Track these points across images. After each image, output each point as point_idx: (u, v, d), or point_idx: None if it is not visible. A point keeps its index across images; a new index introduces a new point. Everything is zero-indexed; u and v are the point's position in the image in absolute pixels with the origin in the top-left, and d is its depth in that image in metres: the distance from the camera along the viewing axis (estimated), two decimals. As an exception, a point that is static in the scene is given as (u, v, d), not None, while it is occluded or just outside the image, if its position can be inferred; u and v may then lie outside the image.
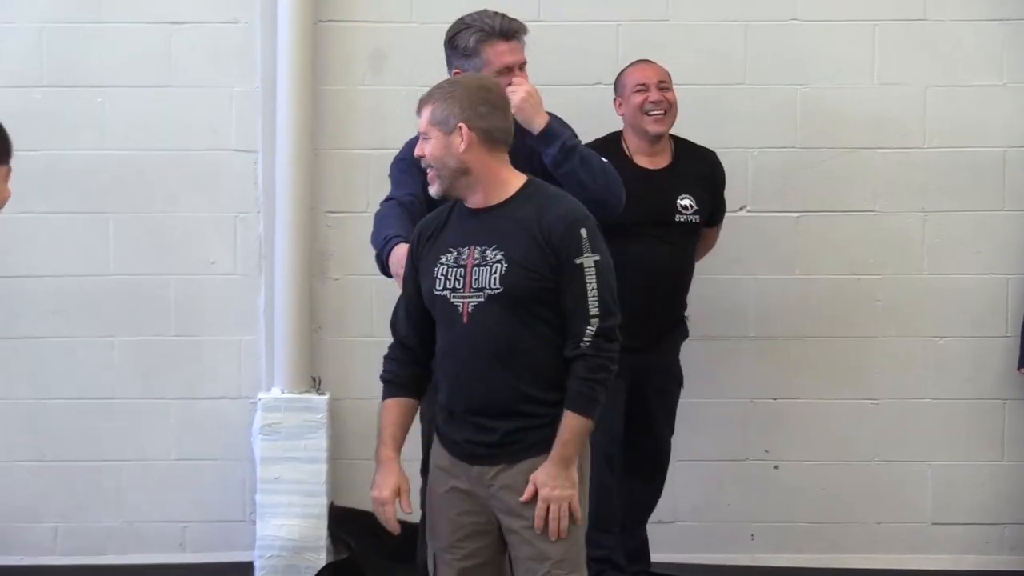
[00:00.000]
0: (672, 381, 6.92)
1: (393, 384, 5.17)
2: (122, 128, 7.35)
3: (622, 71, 6.85)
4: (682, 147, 6.88)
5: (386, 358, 5.22)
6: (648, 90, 6.72)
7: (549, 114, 5.90)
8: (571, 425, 4.82)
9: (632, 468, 6.89)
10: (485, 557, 5.02)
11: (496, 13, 6.01)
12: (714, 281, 7.27)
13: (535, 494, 4.83)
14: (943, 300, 7.45)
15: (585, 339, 4.83)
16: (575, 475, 4.86)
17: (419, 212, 5.67)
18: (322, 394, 7.37)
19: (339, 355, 7.44)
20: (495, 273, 4.84)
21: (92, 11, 7.35)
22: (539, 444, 4.84)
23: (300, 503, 7.29)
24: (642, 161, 6.77)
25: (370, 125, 7.36)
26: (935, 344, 7.46)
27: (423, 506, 5.48)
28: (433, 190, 5.02)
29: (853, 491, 7.44)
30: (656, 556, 7.22)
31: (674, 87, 6.88)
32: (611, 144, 6.71)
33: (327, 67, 7.36)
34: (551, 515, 4.84)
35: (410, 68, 7.27)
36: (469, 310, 4.90)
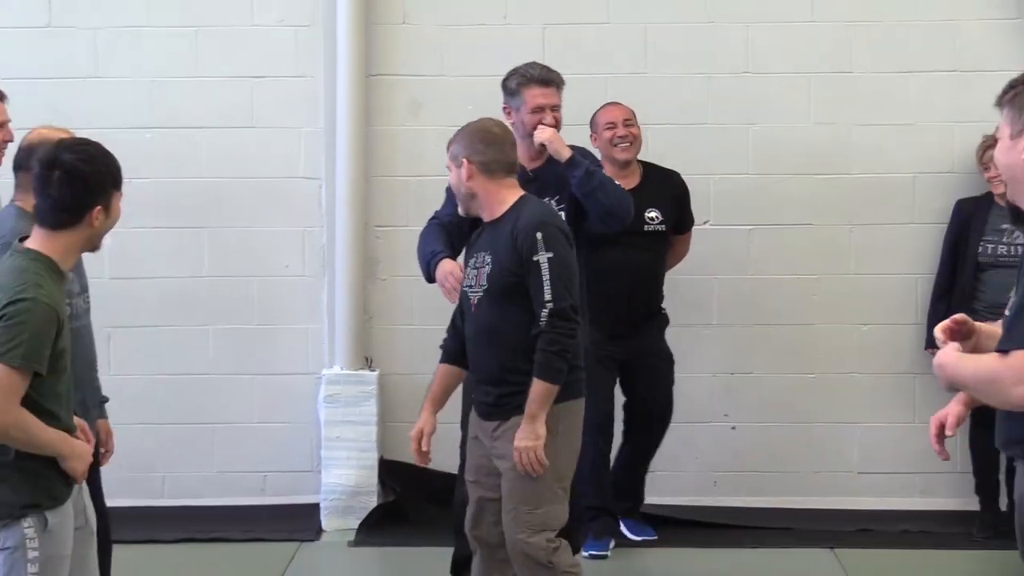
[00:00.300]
0: (661, 360, 6.99)
1: (445, 353, 5.41)
2: (215, 160, 7.47)
3: (595, 112, 6.92)
4: (650, 170, 6.98)
5: (447, 333, 5.43)
6: (616, 127, 6.82)
7: (574, 147, 6.10)
8: (536, 389, 4.98)
9: (637, 426, 7.02)
10: (495, 493, 5.19)
11: (538, 64, 6.22)
12: (684, 280, 7.30)
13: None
14: (866, 295, 7.51)
15: (542, 319, 4.98)
16: (541, 429, 4.97)
17: (454, 228, 5.93)
18: (373, 370, 7.48)
19: (386, 339, 7.55)
20: (485, 273, 5.11)
21: (191, 68, 7.45)
22: (522, 405, 5.02)
23: (356, 457, 7.39)
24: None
25: (410, 158, 7.48)
26: (860, 330, 7.53)
27: (462, 452, 5.71)
28: (459, 210, 5.37)
29: (795, 447, 7.49)
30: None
31: (645, 125, 7.00)
32: None
33: (376, 111, 7.47)
34: (521, 459, 4.98)
35: (441, 112, 7.34)
36: (475, 302, 5.16)
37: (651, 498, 7.26)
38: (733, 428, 7.33)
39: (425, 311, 7.42)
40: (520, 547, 5.08)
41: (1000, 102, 3.59)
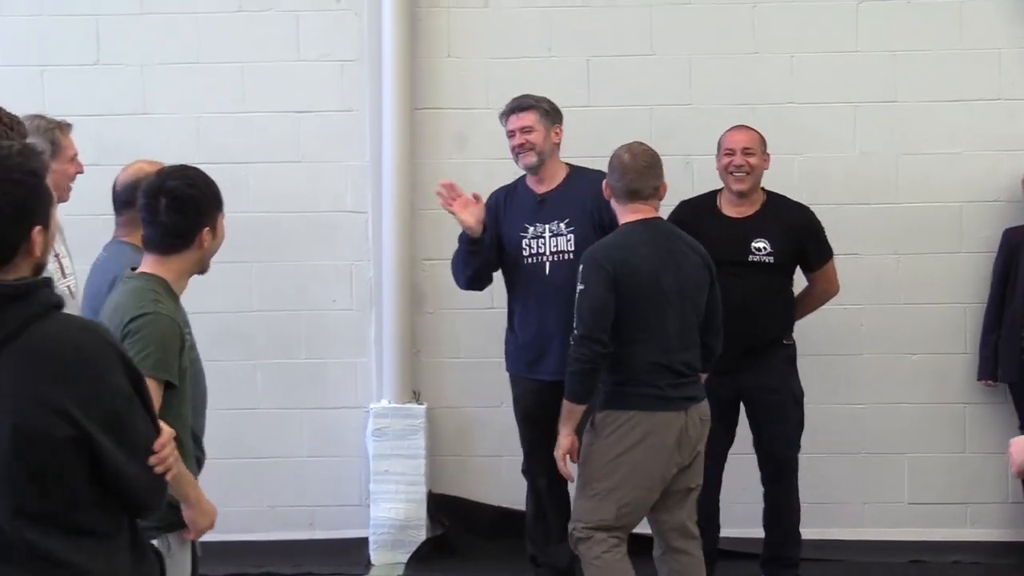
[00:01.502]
0: (779, 396, 6.62)
1: None
2: (263, 194, 7.49)
3: (723, 133, 6.79)
4: (773, 200, 6.73)
5: None
6: (734, 154, 6.63)
7: (589, 170, 6.46)
8: (563, 403, 5.67)
9: (764, 472, 6.76)
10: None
11: (519, 96, 6.60)
12: None
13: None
14: (914, 324, 7.50)
15: (571, 342, 5.58)
16: (565, 439, 5.67)
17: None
18: (421, 404, 7.49)
19: (434, 373, 7.56)
20: None
21: (238, 103, 7.50)
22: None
23: (404, 491, 7.40)
24: (728, 211, 6.69)
25: (456, 191, 7.54)
26: (909, 359, 7.52)
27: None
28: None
29: (845, 478, 7.45)
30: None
31: (690, 156, 7.07)
32: (709, 196, 6.77)
33: (421, 145, 7.50)
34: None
35: (487, 145, 7.38)
36: None
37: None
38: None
39: (472, 344, 7.49)
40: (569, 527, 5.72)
41: None
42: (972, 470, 7.49)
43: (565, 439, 5.68)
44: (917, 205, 7.47)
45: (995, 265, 7.29)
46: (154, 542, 4.02)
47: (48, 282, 3.07)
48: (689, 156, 7.31)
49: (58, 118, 5.82)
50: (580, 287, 5.53)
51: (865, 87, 7.46)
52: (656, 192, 5.72)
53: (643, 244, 5.61)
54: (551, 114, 6.50)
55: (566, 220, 6.32)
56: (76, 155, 5.64)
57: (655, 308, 5.57)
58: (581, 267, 5.56)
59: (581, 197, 6.36)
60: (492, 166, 7.41)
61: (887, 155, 7.47)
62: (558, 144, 6.53)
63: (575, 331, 5.51)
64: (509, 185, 6.68)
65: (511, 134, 6.47)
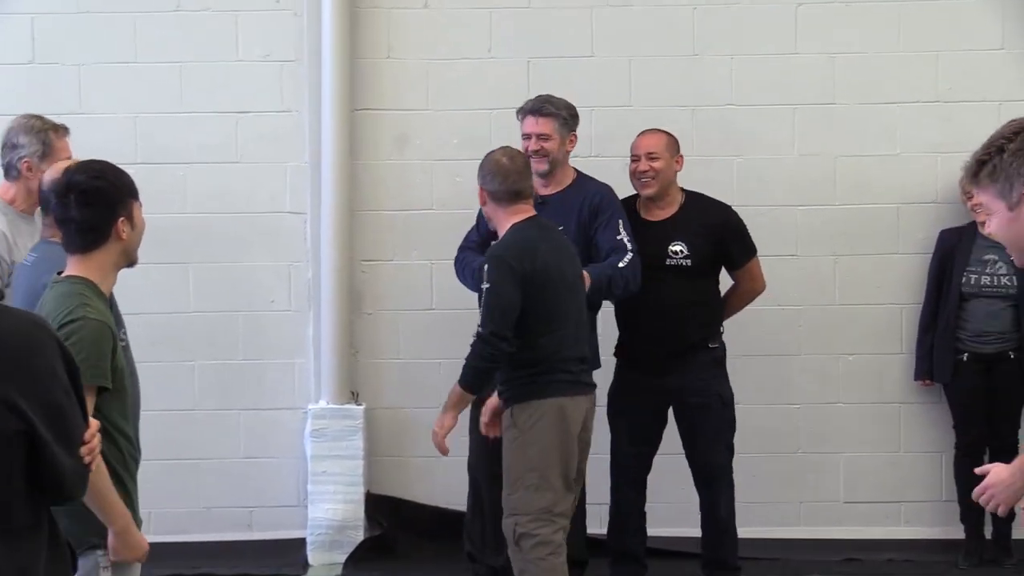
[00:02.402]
0: (704, 399, 6.57)
1: None
2: (200, 196, 7.49)
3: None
4: (691, 200, 6.69)
5: None
6: (638, 160, 6.63)
7: (595, 181, 6.58)
8: (455, 390, 5.85)
9: (695, 479, 6.73)
10: None
11: (540, 97, 6.68)
12: None
13: None
14: (851, 325, 7.54)
15: (473, 338, 5.76)
16: (449, 420, 5.87)
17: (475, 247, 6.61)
18: (359, 405, 7.48)
19: (372, 373, 7.55)
20: None
21: (176, 103, 7.47)
22: (507, 399, 5.81)
23: (343, 491, 7.38)
24: (646, 214, 6.67)
25: (395, 192, 7.51)
26: (845, 360, 7.56)
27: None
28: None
29: (781, 477, 7.48)
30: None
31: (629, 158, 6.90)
32: (629, 199, 6.71)
33: (361, 146, 7.48)
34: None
35: (427, 146, 7.43)
36: None
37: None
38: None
39: (411, 345, 7.50)
40: (503, 525, 5.79)
41: (975, 178, 3.48)
42: (906, 469, 7.55)
43: (449, 420, 5.86)
44: (855, 206, 7.52)
45: (931, 266, 7.34)
46: (100, 553, 4.03)
47: None
48: (629, 158, 7.28)
49: (55, 120, 5.80)
50: (486, 286, 5.66)
51: (804, 89, 7.50)
52: (531, 191, 5.94)
53: (540, 240, 5.77)
54: (569, 122, 6.58)
55: (560, 228, 6.19)
56: (70, 158, 5.60)
57: (562, 299, 5.77)
58: (486, 266, 5.69)
59: (577, 203, 6.44)
60: (432, 167, 7.45)
61: (825, 157, 7.51)
62: (570, 151, 6.61)
63: (480, 329, 5.67)
64: None
65: (526, 136, 6.52)
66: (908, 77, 7.49)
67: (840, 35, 7.50)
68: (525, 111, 6.57)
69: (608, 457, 6.72)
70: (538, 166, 6.40)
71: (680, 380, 6.54)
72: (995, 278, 7.07)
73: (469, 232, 6.73)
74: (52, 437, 3.02)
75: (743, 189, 7.35)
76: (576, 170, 6.63)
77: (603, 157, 7.27)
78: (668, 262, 6.54)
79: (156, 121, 7.48)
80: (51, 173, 5.14)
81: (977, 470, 3.97)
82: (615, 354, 6.76)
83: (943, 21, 7.50)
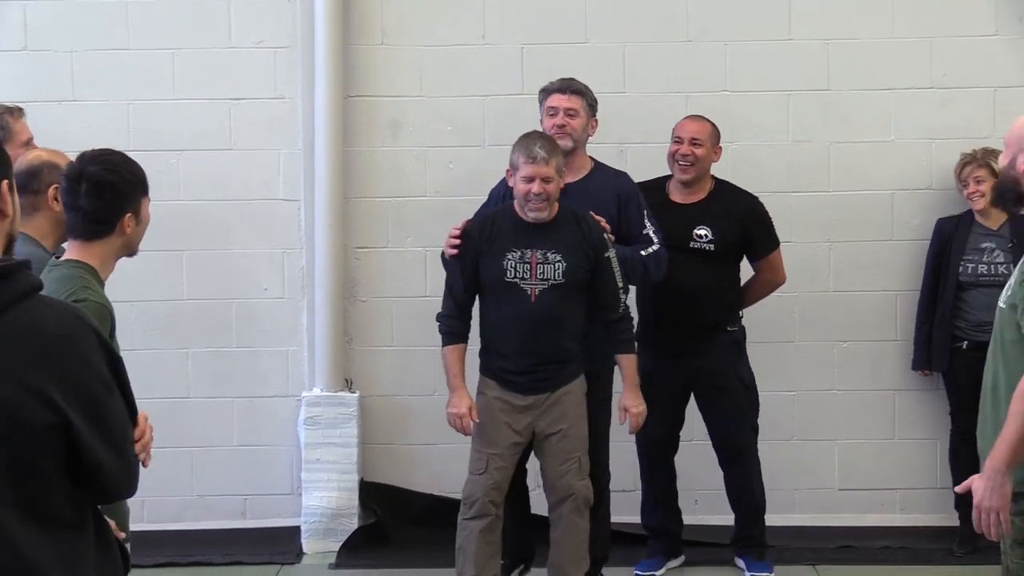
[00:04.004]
0: (723, 380, 6.76)
1: (457, 335, 6.15)
2: (193, 183, 7.47)
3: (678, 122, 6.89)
4: (721, 188, 6.85)
5: (450, 318, 6.16)
6: (681, 143, 6.74)
7: (615, 171, 6.57)
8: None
9: (721, 460, 6.94)
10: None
11: (561, 79, 6.59)
12: None
13: None
14: (845, 311, 7.54)
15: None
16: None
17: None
18: (353, 392, 7.49)
19: (366, 361, 7.55)
20: (557, 268, 6.04)
21: (169, 90, 7.45)
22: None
23: (336, 479, 7.40)
24: (675, 196, 6.80)
25: (389, 178, 7.50)
26: (839, 347, 7.57)
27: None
28: (544, 215, 5.99)
29: (775, 464, 7.32)
30: (621, 517, 7.10)
31: (624, 144, 7.14)
32: (660, 180, 6.86)
33: (354, 133, 7.48)
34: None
35: (421, 133, 7.43)
36: (536, 293, 6.02)
37: (632, 517, 7.24)
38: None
39: (405, 332, 7.50)
40: (583, 492, 5.97)
41: None
42: (902, 456, 7.57)
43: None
44: (849, 193, 7.52)
45: (928, 255, 7.34)
46: None
47: (27, 264, 3.01)
48: (623, 144, 7.36)
49: (8, 103, 5.78)
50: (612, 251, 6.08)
51: (798, 75, 7.49)
52: None
53: None
54: (594, 106, 6.54)
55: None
56: (31, 140, 5.60)
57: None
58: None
59: (603, 193, 6.36)
60: (425, 154, 7.45)
61: (819, 143, 7.51)
62: (591, 136, 6.56)
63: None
64: None
65: (553, 111, 6.41)
66: (902, 63, 7.49)
67: (834, 21, 7.49)
68: (552, 90, 6.50)
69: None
70: (563, 142, 6.30)
71: (700, 362, 6.72)
72: (992, 266, 7.06)
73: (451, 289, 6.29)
74: (90, 431, 2.96)
75: (737, 175, 7.24)
76: (592, 158, 6.58)
77: (597, 143, 7.22)
78: (692, 245, 6.69)
79: (149, 108, 7.46)
80: (23, 160, 5.11)
81: (958, 489, 4.13)
82: (636, 337, 6.81)
83: (937, 7, 7.49)
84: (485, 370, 6.12)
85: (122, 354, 4.21)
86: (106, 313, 4.06)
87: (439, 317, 6.14)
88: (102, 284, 4.17)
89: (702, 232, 6.69)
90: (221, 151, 7.48)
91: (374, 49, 7.47)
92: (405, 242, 7.49)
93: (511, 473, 6.07)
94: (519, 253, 5.94)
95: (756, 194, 7.10)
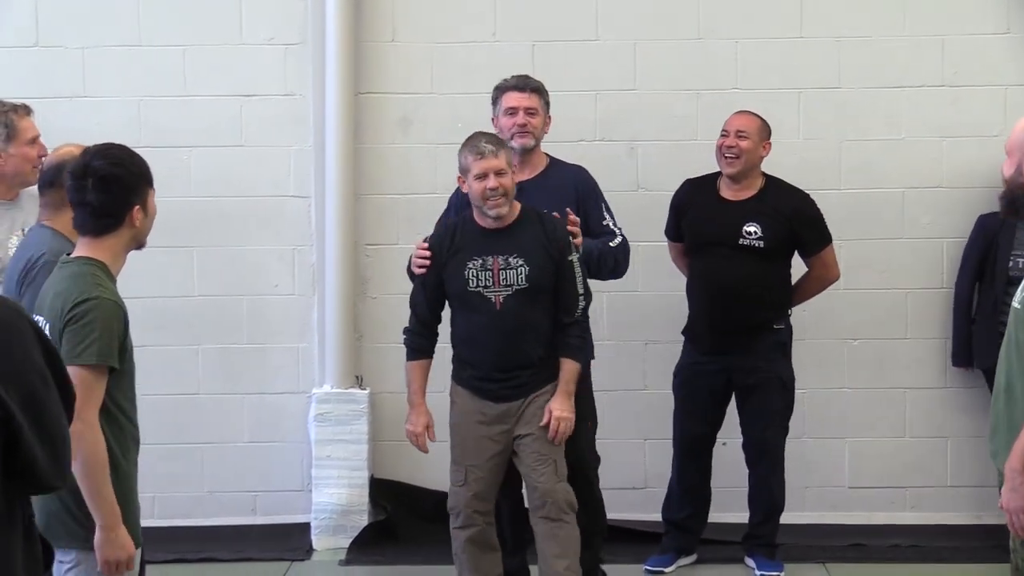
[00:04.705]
0: (762, 378, 6.76)
1: (421, 350, 6.07)
2: (204, 179, 7.48)
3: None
4: (771, 184, 6.87)
5: (415, 333, 6.10)
6: (727, 135, 6.76)
7: (571, 165, 6.43)
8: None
9: (748, 457, 6.96)
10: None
11: (519, 75, 6.45)
12: (673, 296, 7.12)
13: None
14: (856, 310, 7.54)
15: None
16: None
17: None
18: (363, 389, 7.50)
19: (377, 358, 7.54)
20: (520, 273, 5.89)
21: (180, 87, 7.47)
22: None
23: (347, 476, 7.41)
24: (726, 193, 6.82)
25: (399, 175, 7.51)
26: (850, 345, 7.57)
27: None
28: (504, 210, 5.78)
29: (786, 462, 7.11)
30: (629, 515, 7.29)
31: (634, 142, 7.14)
32: (711, 176, 6.86)
33: (365, 129, 7.49)
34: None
35: (431, 130, 7.45)
36: (500, 300, 5.88)
37: (644, 515, 7.31)
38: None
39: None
40: (562, 493, 5.80)
41: None
42: (912, 455, 7.57)
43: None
44: (859, 191, 7.52)
45: (968, 252, 7.32)
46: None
47: None
48: (634, 142, 7.38)
49: (15, 100, 5.80)
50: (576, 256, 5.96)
51: (809, 73, 7.50)
52: None
53: None
54: (549, 104, 6.45)
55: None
56: (37, 137, 5.62)
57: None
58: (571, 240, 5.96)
59: (560, 189, 6.30)
60: (435, 151, 7.43)
61: (830, 141, 7.51)
62: (546, 133, 6.47)
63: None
64: None
65: (512, 111, 6.30)
66: (914, 61, 7.49)
67: (846, 19, 7.49)
68: (507, 87, 6.39)
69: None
70: (524, 141, 6.28)
71: (743, 360, 6.73)
72: None
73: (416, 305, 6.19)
74: (27, 424, 3.00)
75: (771, 175, 7.20)
76: (547, 154, 6.50)
77: (607, 141, 7.32)
78: (742, 242, 6.70)
79: (160, 104, 7.48)
80: (53, 156, 5.16)
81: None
82: (683, 332, 6.93)
83: (949, 5, 7.50)
84: (457, 379, 6.02)
85: (135, 350, 4.26)
86: (119, 311, 4.09)
87: (404, 331, 6.08)
88: (114, 280, 4.19)
89: (751, 229, 6.71)
90: (232, 148, 7.50)
91: (385, 46, 7.47)
92: (415, 239, 7.39)
93: (495, 481, 5.95)
94: (480, 261, 5.79)
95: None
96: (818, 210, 6.87)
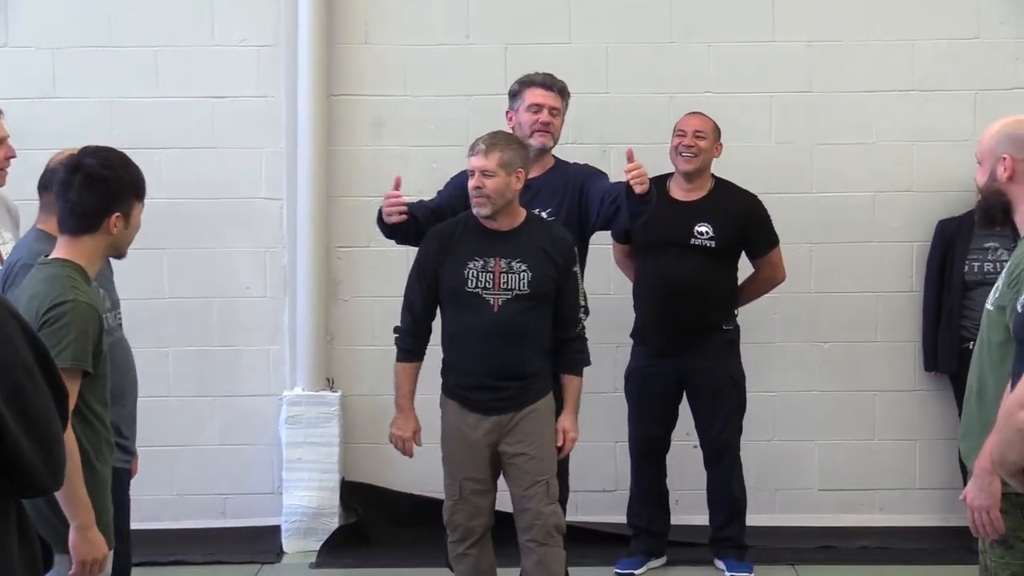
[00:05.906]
0: (715, 378, 6.83)
1: (413, 353, 5.96)
2: (175, 181, 7.43)
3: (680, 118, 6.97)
4: (720, 186, 6.93)
5: (407, 333, 5.97)
6: (684, 135, 6.83)
7: (580, 165, 6.33)
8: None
9: (706, 458, 7.01)
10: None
11: (541, 72, 6.32)
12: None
13: None
14: (826, 313, 7.58)
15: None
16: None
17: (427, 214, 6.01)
18: (335, 391, 7.52)
19: (348, 360, 7.57)
20: (522, 278, 5.74)
21: (151, 87, 7.47)
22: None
23: (318, 479, 7.42)
24: (676, 193, 6.86)
25: (372, 178, 7.46)
26: (820, 347, 7.62)
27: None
28: (485, 211, 5.60)
29: (756, 464, 7.36)
30: (600, 517, 7.33)
31: (607, 145, 7.16)
32: (661, 179, 6.80)
33: (337, 131, 7.50)
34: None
35: (403, 133, 7.47)
36: (499, 304, 5.72)
37: (615, 517, 7.31)
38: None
39: (387, 332, 7.32)
40: (552, 516, 5.65)
41: None
42: (881, 457, 7.62)
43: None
44: (830, 195, 7.57)
45: (929, 257, 7.38)
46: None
47: None
48: (606, 145, 7.37)
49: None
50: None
51: (781, 77, 7.54)
52: None
53: None
54: (568, 105, 6.38)
55: (548, 210, 6.12)
56: (6, 138, 5.60)
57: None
58: (575, 251, 5.83)
59: (565, 185, 6.22)
60: (408, 153, 7.46)
61: (802, 145, 7.56)
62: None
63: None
64: None
65: (537, 108, 6.16)
66: (884, 66, 7.55)
67: (817, 23, 7.54)
68: (534, 83, 6.26)
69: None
70: (545, 140, 6.19)
71: (693, 360, 6.79)
72: (998, 264, 7.03)
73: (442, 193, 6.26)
74: (11, 417, 2.98)
75: (720, 176, 7.27)
76: (554, 156, 6.48)
77: (579, 144, 7.30)
78: (693, 241, 6.77)
79: (131, 106, 7.47)
80: (55, 159, 5.15)
81: (960, 498, 4.21)
82: (631, 335, 6.97)
83: (919, 10, 7.56)
84: (446, 389, 5.85)
85: (107, 354, 4.25)
86: (94, 313, 4.09)
87: (396, 330, 5.92)
88: (90, 282, 4.19)
89: (703, 229, 6.77)
90: (203, 149, 7.50)
91: (357, 48, 7.49)
92: (387, 242, 7.32)
93: (491, 492, 5.81)
94: (482, 262, 5.63)
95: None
96: (767, 211, 6.94)
